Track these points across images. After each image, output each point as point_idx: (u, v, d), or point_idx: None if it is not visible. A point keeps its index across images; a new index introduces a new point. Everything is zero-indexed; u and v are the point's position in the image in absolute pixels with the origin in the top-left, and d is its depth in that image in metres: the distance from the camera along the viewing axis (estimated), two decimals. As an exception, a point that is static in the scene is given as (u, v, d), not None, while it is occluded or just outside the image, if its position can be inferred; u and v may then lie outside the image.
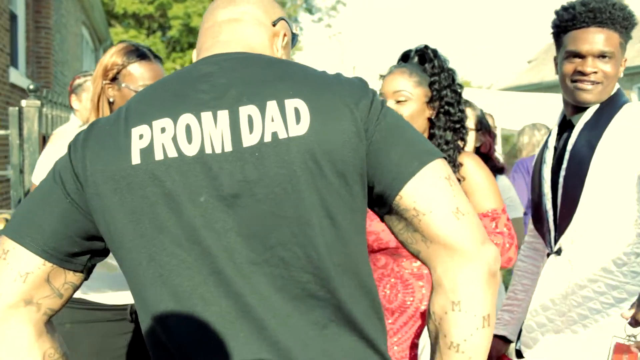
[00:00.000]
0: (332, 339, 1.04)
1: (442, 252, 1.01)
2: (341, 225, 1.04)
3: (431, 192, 1.02)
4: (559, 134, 1.99)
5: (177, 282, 1.02)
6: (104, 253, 1.14)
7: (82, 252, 1.09)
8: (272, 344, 1.01)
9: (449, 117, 2.00)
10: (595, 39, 1.80)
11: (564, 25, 1.85)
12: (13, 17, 7.78)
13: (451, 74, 2.04)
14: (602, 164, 1.76)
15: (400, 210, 1.04)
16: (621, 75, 1.88)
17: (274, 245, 1.01)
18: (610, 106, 1.84)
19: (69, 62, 10.54)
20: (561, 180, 1.87)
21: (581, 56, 1.82)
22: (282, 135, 1.01)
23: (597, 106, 1.85)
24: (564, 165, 1.86)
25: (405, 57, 2.11)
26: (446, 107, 1.99)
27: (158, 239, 1.02)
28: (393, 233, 1.11)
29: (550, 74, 18.40)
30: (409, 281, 1.95)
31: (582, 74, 1.82)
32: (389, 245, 1.94)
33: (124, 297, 2.04)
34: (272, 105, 1.03)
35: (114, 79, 2.03)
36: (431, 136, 1.99)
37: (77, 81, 3.16)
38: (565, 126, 1.97)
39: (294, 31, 1.32)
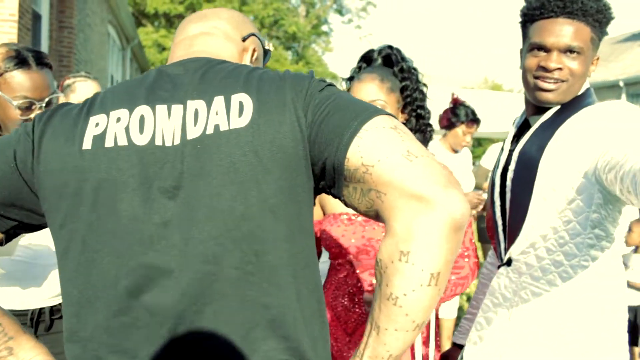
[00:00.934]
0: (253, 345, 0.99)
1: (398, 200, 0.91)
2: (283, 219, 1.01)
3: (376, 143, 0.95)
4: (518, 136, 1.80)
5: (106, 269, 1.02)
6: (32, 228, 1.16)
7: (10, 218, 1.12)
8: (193, 342, 0.99)
9: (421, 120, 1.96)
10: (562, 31, 1.59)
11: (531, 13, 1.65)
12: (37, 17, 7.97)
13: (416, 73, 1.98)
14: (550, 166, 1.58)
15: (352, 174, 0.97)
16: (590, 75, 1.68)
17: (206, 240, 0.99)
18: (572, 107, 1.64)
19: (93, 61, 10.72)
20: (509, 184, 1.70)
21: (546, 49, 1.62)
22: (223, 127, 1.01)
23: (558, 107, 1.66)
24: (511, 168, 1.69)
25: (368, 60, 2.02)
26: (418, 111, 1.95)
27: (94, 224, 1.02)
28: (356, 208, 1.03)
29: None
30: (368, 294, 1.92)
31: (545, 69, 1.61)
32: (349, 251, 1.92)
33: (26, 302, 1.93)
34: (218, 100, 1.04)
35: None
36: None
37: (67, 82, 3.19)
38: (525, 128, 1.79)
39: (267, 47, 1.34)
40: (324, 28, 28.30)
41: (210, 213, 0.99)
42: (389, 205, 0.91)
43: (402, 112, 1.94)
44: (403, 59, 1.96)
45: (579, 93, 1.66)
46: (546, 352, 1.62)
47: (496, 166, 1.82)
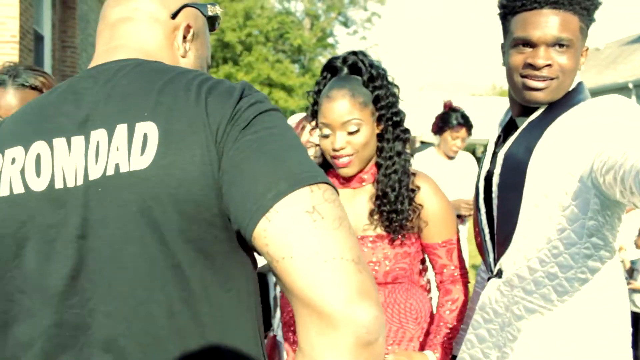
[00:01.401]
0: None
1: (300, 310, 0.77)
2: (193, 277, 0.87)
3: (284, 234, 0.78)
4: (504, 138, 1.65)
5: (20, 330, 0.92)
6: None
7: None
8: None
9: (397, 128, 1.82)
10: (549, 23, 1.43)
11: (512, 5, 1.50)
12: (39, 37, 8.00)
13: (386, 76, 1.82)
14: (540, 170, 1.44)
15: (261, 253, 0.83)
16: (581, 68, 1.52)
17: (115, 298, 0.87)
18: (561, 105, 1.49)
19: (98, 80, 10.76)
20: (495, 190, 1.56)
21: (532, 45, 1.47)
22: (123, 168, 0.86)
23: (546, 105, 1.51)
24: (497, 172, 1.55)
25: (333, 69, 1.84)
26: (394, 119, 1.80)
27: (0, 284, 0.92)
28: None
29: (590, 82, 17.96)
30: None
31: (534, 67, 1.46)
32: None
33: None
34: (121, 130, 0.88)
35: None
36: (380, 150, 1.82)
37: None
38: (511, 128, 1.64)
39: (210, 13, 1.16)
40: (330, 40, 28.38)
41: (115, 270, 0.87)
42: (294, 309, 0.79)
43: (378, 123, 1.80)
44: (371, 64, 1.79)
45: (570, 89, 1.52)
46: None
47: (480, 170, 1.70)
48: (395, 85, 1.85)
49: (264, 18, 23.80)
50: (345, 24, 29.48)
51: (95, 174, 0.88)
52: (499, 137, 1.69)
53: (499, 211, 1.56)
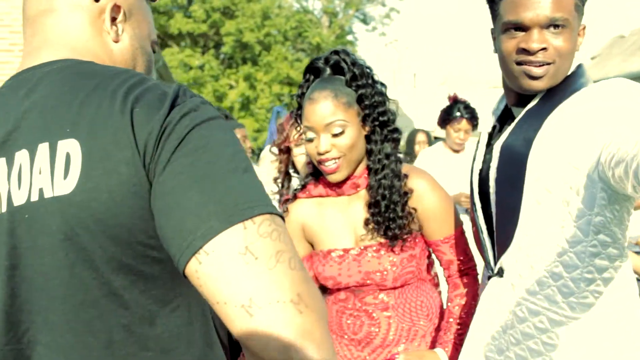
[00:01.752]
0: None
1: (245, 351, 0.75)
2: (131, 305, 0.82)
3: (215, 278, 0.73)
4: (500, 129, 1.56)
5: None
6: None
7: None
8: None
9: (386, 128, 1.74)
10: (540, 2, 1.32)
11: None
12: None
13: (371, 74, 1.75)
14: (541, 163, 1.34)
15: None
16: (579, 49, 1.41)
17: (51, 330, 0.83)
18: (561, 90, 1.39)
19: (117, 84, 10.86)
20: (492, 184, 1.47)
21: (524, 28, 1.36)
22: (47, 193, 0.80)
23: (543, 92, 1.41)
24: (494, 165, 1.46)
25: (315, 70, 1.77)
26: (381, 119, 1.72)
27: None
28: None
29: (614, 69, 17.61)
30: (374, 313, 1.80)
31: (528, 52, 1.35)
32: (348, 285, 1.80)
33: None
34: (43, 150, 0.81)
35: None
36: (369, 152, 1.75)
37: None
38: (506, 118, 1.54)
39: None
40: (349, 37, 28.30)
41: (48, 300, 0.82)
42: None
43: (364, 124, 1.72)
44: (354, 62, 1.71)
45: (569, 73, 1.41)
46: None
47: (473, 163, 1.60)
48: (382, 84, 1.78)
49: (282, 17, 23.80)
50: (364, 21, 29.35)
51: (19, 199, 0.82)
52: (494, 127, 1.58)
53: (497, 208, 1.46)
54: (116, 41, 1.00)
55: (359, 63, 1.73)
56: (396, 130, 1.77)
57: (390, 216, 1.71)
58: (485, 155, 1.55)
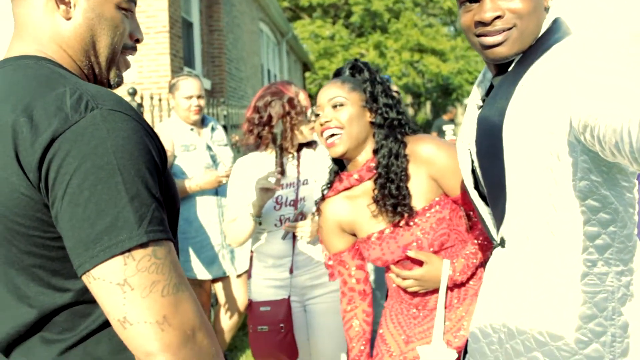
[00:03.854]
0: None
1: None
2: (43, 279, 0.99)
3: (102, 299, 0.90)
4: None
5: None
6: None
7: None
8: None
9: (388, 117, 1.95)
10: None
11: None
12: (189, 25, 8.76)
13: (384, 81, 2.01)
14: (516, 133, 1.29)
15: None
16: (548, 4, 1.33)
17: None
18: (532, 53, 1.32)
19: (245, 58, 11.48)
20: (475, 158, 1.44)
21: (475, 0, 1.33)
22: None
23: (519, 56, 1.34)
24: (473, 139, 1.43)
25: (337, 73, 2.09)
26: (383, 109, 1.94)
27: None
28: None
29: None
30: None
31: (483, 23, 1.31)
32: (395, 261, 1.97)
33: None
34: None
35: None
36: (373, 135, 1.97)
37: (172, 81, 3.54)
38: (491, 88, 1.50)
39: None
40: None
41: None
42: None
43: (369, 109, 1.96)
44: (368, 69, 2.01)
45: (545, 29, 1.34)
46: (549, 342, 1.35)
47: (457, 138, 1.59)
48: (397, 92, 2.03)
49: (412, -17, 23.42)
50: None
51: None
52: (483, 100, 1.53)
53: (485, 181, 1.43)
54: (68, 18, 1.05)
55: (374, 71, 2.02)
56: (404, 124, 1.96)
57: (387, 193, 1.89)
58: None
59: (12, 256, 0.97)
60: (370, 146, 1.97)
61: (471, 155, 1.49)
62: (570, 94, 1.17)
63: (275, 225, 2.62)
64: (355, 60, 2.05)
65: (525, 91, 1.29)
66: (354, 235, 2.06)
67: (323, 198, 2.10)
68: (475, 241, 1.90)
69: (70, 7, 1.05)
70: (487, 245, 1.89)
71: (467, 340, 1.65)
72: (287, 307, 2.57)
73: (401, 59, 22.42)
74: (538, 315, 1.35)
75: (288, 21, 16.84)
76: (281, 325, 2.54)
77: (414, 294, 1.97)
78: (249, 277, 2.78)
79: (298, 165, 2.68)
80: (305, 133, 2.64)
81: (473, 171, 1.52)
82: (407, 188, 1.89)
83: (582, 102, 1.12)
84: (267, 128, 2.62)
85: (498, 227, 1.44)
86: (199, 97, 3.46)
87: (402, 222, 1.91)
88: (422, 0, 23.82)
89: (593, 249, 1.28)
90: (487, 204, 1.50)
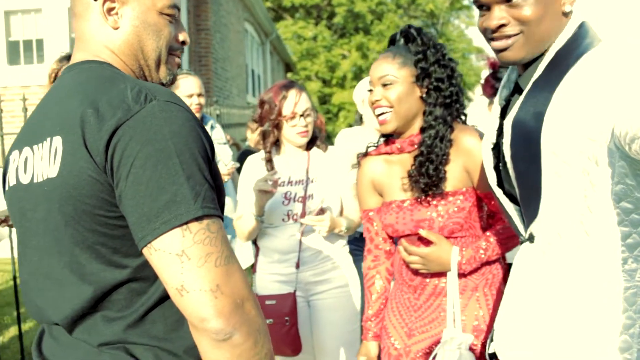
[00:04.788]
0: None
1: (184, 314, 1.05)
2: (104, 255, 1.09)
3: (162, 268, 1.01)
4: (509, 102, 1.55)
5: (21, 269, 1.24)
6: None
7: None
8: None
9: (440, 93, 1.96)
10: None
11: None
12: (176, 23, 8.73)
13: (439, 49, 1.98)
14: (556, 138, 1.33)
15: None
16: (567, 8, 1.37)
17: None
18: (564, 58, 1.36)
19: (231, 58, 11.47)
20: (509, 160, 1.48)
21: (486, 7, 1.41)
22: (45, 175, 1.09)
23: (550, 57, 1.39)
24: (506, 142, 1.46)
25: (391, 42, 2.08)
26: (435, 84, 1.95)
27: None
28: None
29: None
30: None
31: (492, 30, 1.40)
32: (404, 233, 2.03)
33: None
34: (46, 144, 1.10)
35: (55, 81, 2.55)
36: (424, 113, 1.99)
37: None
38: (516, 91, 1.53)
39: None
40: (465, 1, 27.45)
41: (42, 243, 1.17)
42: None
43: (420, 86, 1.97)
44: (421, 34, 1.99)
45: (570, 35, 1.39)
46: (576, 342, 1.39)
47: (483, 137, 1.63)
48: (451, 59, 2.00)
49: (396, -15, 23.57)
50: None
51: (35, 178, 1.14)
52: (507, 100, 1.58)
53: (518, 183, 1.48)
54: (116, 28, 1.19)
55: (428, 38, 1.99)
56: (457, 101, 1.99)
57: (421, 171, 1.94)
58: (497, 130, 1.56)
59: (78, 235, 1.07)
60: (419, 122, 2.01)
61: (501, 154, 1.53)
62: (615, 105, 1.21)
63: (283, 220, 2.65)
64: (409, 26, 2.02)
65: (564, 98, 1.33)
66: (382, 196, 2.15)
67: (366, 154, 2.18)
68: (491, 239, 1.94)
69: (117, 18, 1.19)
70: (500, 246, 1.94)
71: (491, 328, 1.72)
72: (292, 301, 2.60)
73: (383, 61, 22.52)
74: (567, 309, 1.39)
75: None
76: (286, 318, 2.56)
77: (415, 274, 2.02)
78: (254, 271, 2.81)
79: (308, 164, 2.73)
80: (290, 137, 2.70)
81: (496, 168, 1.56)
82: (445, 172, 1.94)
83: (630, 114, 1.15)
84: (258, 127, 2.74)
85: (527, 224, 1.49)
86: (199, 95, 3.47)
87: (424, 199, 1.97)
88: (404, 3, 23.99)
89: (625, 247, 1.32)
90: (512, 200, 1.54)
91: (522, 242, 1.53)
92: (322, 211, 2.62)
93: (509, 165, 1.48)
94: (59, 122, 1.08)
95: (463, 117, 2.04)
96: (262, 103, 2.71)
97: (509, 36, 1.38)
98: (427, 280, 2.01)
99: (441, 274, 1.99)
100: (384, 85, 1.96)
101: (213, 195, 1.05)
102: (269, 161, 2.71)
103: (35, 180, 1.13)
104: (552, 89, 1.35)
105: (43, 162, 1.10)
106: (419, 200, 1.98)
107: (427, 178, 1.93)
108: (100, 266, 1.08)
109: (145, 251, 1.01)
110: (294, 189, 2.69)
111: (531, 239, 1.48)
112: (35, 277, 1.19)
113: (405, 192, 2.03)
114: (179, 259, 0.99)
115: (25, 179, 1.16)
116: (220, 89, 10.21)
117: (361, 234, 3.37)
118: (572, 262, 1.39)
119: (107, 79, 1.10)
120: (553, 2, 1.36)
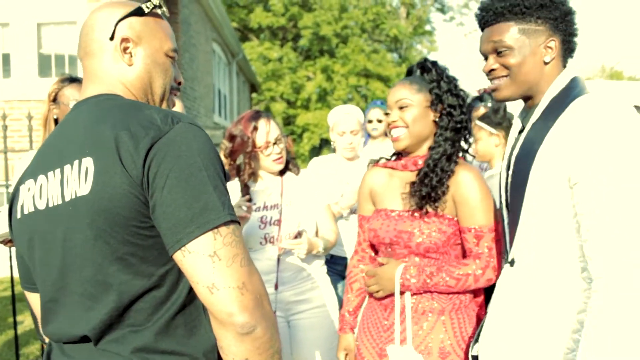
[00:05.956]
0: None
1: (211, 315, 1.15)
2: (134, 265, 1.18)
3: (193, 268, 1.11)
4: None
5: (40, 289, 1.31)
6: None
7: None
8: None
9: (452, 118, 2.11)
10: (485, 37, 1.73)
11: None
12: (145, 41, 8.71)
13: (452, 80, 2.14)
14: (540, 174, 1.58)
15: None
16: (547, 59, 1.66)
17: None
18: (559, 103, 1.62)
19: (199, 78, 11.47)
20: (508, 188, 1.74)
21: (485, 56, 1.76)
22: (73, 195, 1.18)
23: (546, 103, 1.66)
24: (510, 172, 1.73)
25: (409, 72, 2.24)
26: (448, 109, 2.10)
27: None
28: None
29: None
30: None
31: (487, 73, 1.75)
32: (384, 241, 2.14)
33: None
34: (75, 165, 1.19)
35: (54, 100, 2.68)
36: (434, 134, 2.13)
37: None
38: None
39: (148, 9, 1.34)
40: (427, 27, 28.06)
41: (79, 260, 1.23)
42: None
43: (434, 110, 2.12)
44: (436, 66, 2.16)
45: (565, 85, 1.65)
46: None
47: (503, 162, 1.85)
48: (463, 91, 2.16)
49: (359, 10, 23.94)
50: (442, 10, 29.06)
51: (66, 197, 1.20)
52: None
53: (508, 208, 1.74)
54: (130, 65, 1.33)
55: (443, 69, 2.16)
56: (466, 127, 2.13)
57: (424, 181, 2.06)
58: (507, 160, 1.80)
59: (108, 247, 1.16)
60: (428, 143, 2.15)
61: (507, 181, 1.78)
62: (576, 173, 1.49)
63: (261, 243, 2.71)
64: (425, 59, 2.19)
65: (551, 142, 1.57)
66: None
67: (376, 163, 2.33)
68: (452, 270, 2.02)
69: (132, 56, 1.33)
70: (453, 281, 2.01)
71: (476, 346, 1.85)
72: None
73: (348, 83, 22.82)
74: (541, 324, 1.60)
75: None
76: None
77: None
78: None
79: (282, 188, 2.81)
80: (267, 166, 2.78)
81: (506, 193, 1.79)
82: (447, 186, 2.06)
83: (581, 198, 1.48)
84: (232, 161, 2.81)
85: (509, 248, 1.74)
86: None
87: (411, 214, 2.09)
88: (369, 27, 24.40)
89: (587, 272, 1.53)
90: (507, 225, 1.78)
91: (503, 264, 1.78)
92: (299, 234, 2.70)
93: (509, 192, 1.74)
94: (89, 145, 1.18)
95: (466, 146, 2.18)
96: (232, 137, 2.76)
97: (498, 78, 1.73)
98: (392, 298, 2.11)
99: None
100: (401, 108, 2.11)
101: (231, 204, 1.18)
102: (245, 187, 2.78)
103: (51, 204, 1.23)
104: (546, 131, 1.60)
105: (69, 184, 1.19)
106: (407, 213, 2.10)
107: (430, 189, 2.04)
108: (128, 276, 1.17)
109: (177, 254, 1.12)
110: (269, 213, 2.76)
111: (512, 262, 1.71)
112: (58, 295, 1.25)
113: (397, 204, 2.15)
114: (211, 260, 1.11)
115: (41, 205, 1.25)
116: (188, 108, 10.19)
117: (332, 256, 3.47)
118: (540, 285, 1.62)
119: (131, 106, 1.23)
120: (534, 53, 1.67)
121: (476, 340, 1.84)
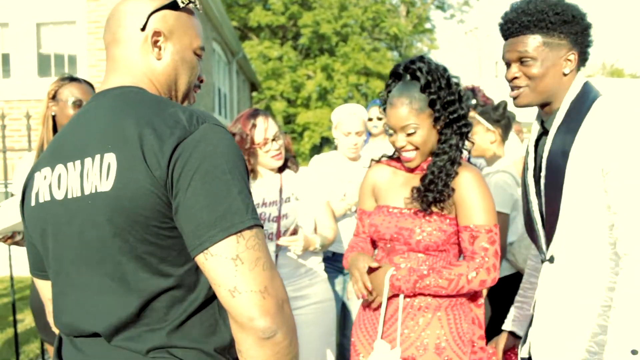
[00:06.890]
0: None
1: (231, 319, 1.13)
2: (152, 265, 1.16)
3: (215, 271, 1.10)
4: (539, 138, 1.95)
5: (52, 281, 1.30)
6: None
7: None
8: None
9: (456, 124, 2.09)
10: (512, 46, 1.83)
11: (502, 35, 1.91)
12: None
13: (444, 74, 2.07)
14: (576, 171, 1.72)
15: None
16: (567, 70, 1.80)
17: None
18: (579, 106, 1.78)
19: (199, 77, 11.44)
20: (542, 189, 1.84)
21: (508, 64, 1.87)
22: (93, 189, 1.16)
23: (566, 107, 1.80)
24: (543, 174, 1.83)
25: (397, 75, 2.14)
26: (451, 117, 2.07)
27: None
28: None
29: None
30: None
31: (509, 80, 1.86)
32: (385, 236, 2.14)
33: None
34: (96, 160, 1.16)
35: (54, 98, 2.70)
36: (439, 141, 2.11)
37: None
38: (544, 129, 1.92)
39: (182, 4, 1.32)
40: (427, 25, 28.01)
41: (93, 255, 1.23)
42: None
43: (435, 123, 2.07)
44: (429, 70, 2.05)
45: (578, 91, 1.80)
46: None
47: (526, 168, 1.94)
48: (457, 83, 2.10)
49: (359, 8, 23.91)
50: (442, 8, 29.03)
51: (85, 191, 1.18)
52: (536, 138, 1.96)
53: (546, 207, 1.83)
54: (159, 59, 1.31)
55: (433, 69, 2.06)
56: (466, 124, 2.12)
57: (430, 187, 2.05)
58: (533, 161, 1.93)
59: (127, 246, 1.14)
60: (433, 149, 2.13)
61: (539, 183, 1.88)
62: (607, 164, 1.66)
63: None
64: (412, 62, 2.10)
65: (584, 139, 1.72)
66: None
67: (379, 160, 2.34)
68: (444, 272, 2.01)
69: (162, 50, 1.31)
70: (455, 280, 2.00)
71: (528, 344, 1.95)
72: None
73: (348, 82, 22.80)
74: (580, 322, 1.74)
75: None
76: None
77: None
78: None
79: (281, 185, 2.82)
80: (265, 162, 2.80)
81: (538, 194, 1.90)
82: (452, 189, 2.06)
83: (613, 193, 1.65)
84: None
85: (547, 245, 1.85)
86: None
87: (413, 212, 2.09)
88: (368, 26, 24.37)
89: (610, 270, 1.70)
90: (542, 224, 1.88)
91: (542, 262, 1.89)
92: (295, 231, 2.70)
93: (542, 192, 1.85)
94: (111, 140, 1.16)
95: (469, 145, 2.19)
96: (231, 135, 2.76)
97: (519, 87, 1.84)
98: (390, 299, 2.11)
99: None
100: (409, 134, 2.07)
101: (255, 208, 1.16)
102: None
103: (69, 196, 1.20)
104: (574, 132, 1.75)
105: (89, 178, 1.16)
106: (409, 211, 2.10)
107: (436, 193, 2.04)
108: (146, 275, 1.16)
109: (200, 257, 1.10)
110: (268, 209, 2.78)
111: (551, 259, 1.84)
112: (72, 289, 1.24)
113: (399, 201, 2.16)
114: (234, 263, 1.09)
115: (59, 195, 1.22)
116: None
117: (333, 253, 3.47)
118: (583, 277, 1.75)
119: (157, 102, 1.21)
120: (555, 65, 1.79)
121: (524, 342, 1.91)
